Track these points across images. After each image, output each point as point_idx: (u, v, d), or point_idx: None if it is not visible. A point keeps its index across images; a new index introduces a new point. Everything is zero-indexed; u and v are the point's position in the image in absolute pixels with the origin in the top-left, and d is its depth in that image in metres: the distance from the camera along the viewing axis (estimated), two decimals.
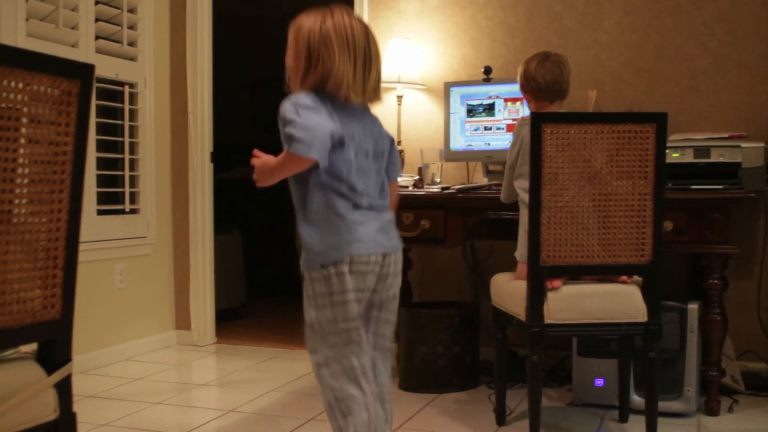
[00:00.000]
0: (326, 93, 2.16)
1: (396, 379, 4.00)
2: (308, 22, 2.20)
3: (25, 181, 1.67)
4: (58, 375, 1.80)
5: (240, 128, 7.94)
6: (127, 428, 3.29)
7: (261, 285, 6.74)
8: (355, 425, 2.16)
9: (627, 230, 2.81)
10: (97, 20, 4.34)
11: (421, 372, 3.84)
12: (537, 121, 2.74)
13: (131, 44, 4.63)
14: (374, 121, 2.30)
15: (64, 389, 1.82)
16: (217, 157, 5.02)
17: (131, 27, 4.63)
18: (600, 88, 4.03)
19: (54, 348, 1.81)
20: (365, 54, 2.19)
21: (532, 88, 3.15)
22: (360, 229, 2.15)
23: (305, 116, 2.06)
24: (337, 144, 2.12)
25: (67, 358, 1.83)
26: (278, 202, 6.80)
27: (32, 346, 1.83)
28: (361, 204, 2.18)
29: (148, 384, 4.03)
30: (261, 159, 2.23)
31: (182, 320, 4.99)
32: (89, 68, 1.76)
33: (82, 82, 1.74)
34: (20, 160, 1.66)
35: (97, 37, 4.35)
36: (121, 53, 4.55)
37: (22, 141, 1.65)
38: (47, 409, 1.78)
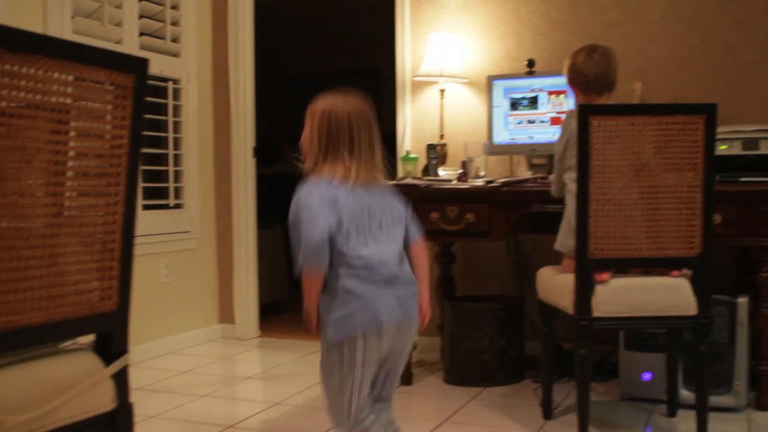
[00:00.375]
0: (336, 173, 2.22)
1: (441, 373, 4.01)
2: (324, 106, 2.26)
3: (83, 174, 1.69)
4: (116, 366, 1.82)
5: (280, 123, 7.98)
6: (175, 420, 3.33)
7: None
8: None
9: (676, 223, 2.78)
10: (140, 17, 4.39)
11: (466, 366, 3.84)
12: (584, 113, 2.72)
13: (174, 40, 4.67)
14: (384, 192, 2.31)
15: (121, 380, 1.84)
16: (259, 152, 5.05)
17: (174, 23, 4.67)
18: (644, 81, 3.98)
19: (111, 339, 1.83)
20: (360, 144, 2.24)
21: (579, 81, 3.13)
22: (375, 306, 2.16)
23: (303, 223, 2.17)
24: (343, 225, 2.16)
25: (123, 349, 1.85)
26: None
27: (89, 337, 1.86)
28: (378, 279, 2.18)
29: (194, 377, 4.07)
30: (305, 312, 2.27)
31: (226, 314, 5.03)
32: (144, 62, 1.78)
33: (137, 76, 1.76)
34: (77, 154, 1.68)
35: (140, 34, 4.40)
36: (165, 49, 4.59)
37: (79, 135, 1.68)
38: (105, 400, 1.80)
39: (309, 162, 2.27)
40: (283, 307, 5.93)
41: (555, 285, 3.08)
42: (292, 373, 4.14)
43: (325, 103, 2.26)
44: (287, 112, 8.53)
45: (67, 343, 1.84)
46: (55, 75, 1.59)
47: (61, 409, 1.67)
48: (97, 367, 1.80)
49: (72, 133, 1.65)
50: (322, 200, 2.16)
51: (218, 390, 3.82)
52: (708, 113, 2.72)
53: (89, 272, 1.74)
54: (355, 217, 2.19)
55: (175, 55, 4.68)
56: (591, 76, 3.09)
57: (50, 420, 1.65)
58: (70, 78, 1.62)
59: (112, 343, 1.83)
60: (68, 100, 1.63)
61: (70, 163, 1.66)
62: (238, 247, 4.98)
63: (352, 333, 2.15)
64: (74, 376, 1.72)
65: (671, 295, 2.85)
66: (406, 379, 3.85)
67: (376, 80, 7.98)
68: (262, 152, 5.15)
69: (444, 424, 3.24)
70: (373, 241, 2.21)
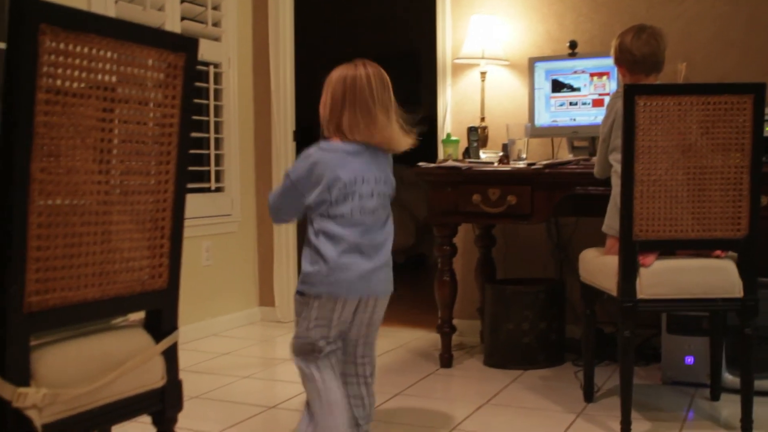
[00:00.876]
0: (344, 137, 2.40)
1: (481, 356, 4.01)
2: (339, 73, 2.45)
3: (134, 152, 1.72)
4: (166, 343, 1.85)
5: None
6: (218, 400, 3.37)
7: None
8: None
9: (722, 204, 2.76)
10: (182, 1, 4.41)
11: (506, 348, 3.83)
12: (630, 93, 2.69)
13: (215, 24, 4.70)
14: (386, 164, 2.49)
15: (170, 357, 1.87)
16: (299, 135, 5.07)
17: (215, 8, 4.69)
18: (689, 61, 3.93)
19: (161, 317, 1.86)
20: (366, 103, 2.39)
21: (627, 61, 3.10)
22: (341, 274, 2.34)
23: (283, 186, 2.43)
24: (333, 189, 2.34)
25: (173, 327, 1.88)
26: None
27: (140, 315, 1.88)
28: (350, 246, 2.36)
29: (234, 359, 4.11)
30: None
31: (266, 297, 5.07)
32: (194, 42, 1.80)
33: (188, 56, 1.77)
34: (129, 132, 1.70)
35: (182, 18, 4.42)
36: (206, 34, 4.61)
37: (131, 113, 1.70)
38: (156, 376, 1.84)
39: (325, 128, 2.44)
40: None
41: (598, 267, 3.07)
42: None
43: (340, 71, 2.43)
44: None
45: (119, 320, 1.86)
46: (108, 54, 1.60)
47: (114, 383, 1.70)
48: (148, 343, 1.83)
49: (124, 112, 1.67)
50: (310, 176, 2.35)
51: (259, 371, 3.86)
52: (756, 93, 2.68)
53: (140, 250, 1.77)
54: (346, 186, 2.36)
55: (216, 39, 4.71)
56: (639, 56, 3.06)
57: (104, 394, 1.68)
58: (123, 57, 1.64)
59: (161, 320, 1.87)
60: (120, 79, 1.65)
61: (122, 142, 1.68)
62: (278, 231, 5.00)
63: (310, 292, 2.37)
64: (126, 352, 1.75)
65: (716, 277, 2.82)
66: (446, 362, 3.86)
67: (416, 64, 7.98)
68: (303, 136, 5.16)
69: (485, 406, 3.24)
70: (362, 210, 2.38)
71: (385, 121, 2.40)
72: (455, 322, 3.96)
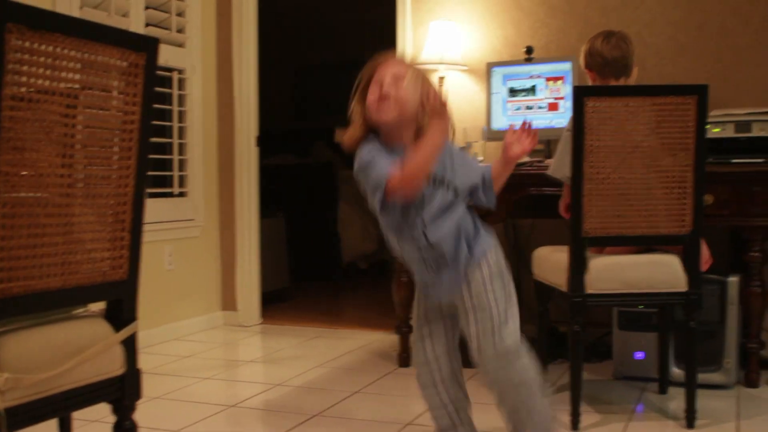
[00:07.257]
0: None
1: None
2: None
3: (97, 147, 1.77)
4: (126, 332, 1.90)
5: (284, 115, 8.04)
6: (179, 401, 3.40)
7: (304, 269, 6.83)
8: None
9: (668, 202, 2.86)
10: (146, 8, 4.46)
11: (462, 347, 3.88)
12: (579, 94, 2.79)
13: (180, 31, 4.75)
14: None
15: (130, 346, 1.93)
16: (262, 142, 5.12)
17: (179, 14, 4.74)
18: (642, 66, 4.02)
19: (121, 307, 1.91)
20: None
21: (597, 64, 3.22)
22: None
23: None
24: None
25: (132, 317, 1.94)
26: (320, 187, 6.90)
27: (100, 306, 1.94)
28: None
29: (197, 361, 4.14)
30: None
31: (228, 301, 5.10)
32: (155, 41, 1.86)
33: (148, 55, 1.84)
34: (91, 128, 1.76)
35: (146, 24, 4.47)
36: (170, 40, 4.66)
37: (94, 109, 1.76)
38: (115, 365, 1.89)
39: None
40: (284, 295, 5.99)
41: (550, 264, 3.16)
42: (294, 356, 4.22)
43: None
44: (291, 102, 8.65)
45: (80, 310, 1.92)
46: (72, 53, 1.66)
47: (75, 370, 1.75)
48: (108, 332, 1.88)
49: (87, 109, 1.73)
50: None
51: (220, 373, 3.90)
52: (699, 94, 2.79)
53: (102, 241, 1.82)
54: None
55: (181, 45, 4.75)
56: (610, 59, 3.19)
57: (65, 381, 1.73)
58: (86, 55, 1.70)
59: (122, 310, 1.92)
60: (84, 77, 1.71)
61: (85, 137, 1.74)
62: (241, 236, 5.05)
63: None
64: (87, 341, 1.80)
65: (662, 271, 2.93)
66: (404, 361, 3.91)
67: None
68: (265, 143, 5.21)
69: None
70: None
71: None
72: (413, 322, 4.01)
